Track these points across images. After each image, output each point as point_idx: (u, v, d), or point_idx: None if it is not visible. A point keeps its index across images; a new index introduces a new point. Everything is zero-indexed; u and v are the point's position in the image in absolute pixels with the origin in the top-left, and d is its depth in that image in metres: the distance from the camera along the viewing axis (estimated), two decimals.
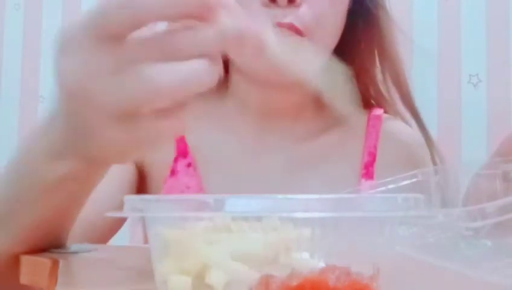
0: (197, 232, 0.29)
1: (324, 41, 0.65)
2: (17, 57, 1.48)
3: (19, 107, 1.47)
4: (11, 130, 1.46)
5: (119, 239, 0.75)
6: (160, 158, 0.71)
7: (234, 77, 0.72)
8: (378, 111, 0.76)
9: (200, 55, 0.32)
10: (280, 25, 0.60)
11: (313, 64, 0.34)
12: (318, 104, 0.75)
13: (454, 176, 0.49)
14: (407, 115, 0.77)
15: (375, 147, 0.73)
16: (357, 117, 0.75)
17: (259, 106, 0.71)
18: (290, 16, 0.61)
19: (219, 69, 0.33)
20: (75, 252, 0.50)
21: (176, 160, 0.71)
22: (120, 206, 0.30)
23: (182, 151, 0.71)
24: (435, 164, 0.73)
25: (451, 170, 0.50)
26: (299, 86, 0.70)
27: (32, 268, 0.48)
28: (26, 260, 0.49)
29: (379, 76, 0.75)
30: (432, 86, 1.29)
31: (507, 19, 1.26)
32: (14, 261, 0.48)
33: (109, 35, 0.33)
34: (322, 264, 0.27)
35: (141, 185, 0.72)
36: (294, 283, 0.25)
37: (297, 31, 0.61)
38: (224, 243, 0.28)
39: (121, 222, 0.73)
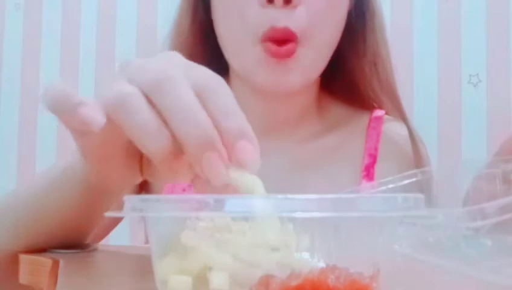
0: (198, 233, 0.29)
1: (322, 42, 0.65)
2: (17, 57, 1.48)
3: (19, 107, 1.47)
4: (11, 130, 1.46)
5: (119, 239, 0.76)
6: None
7: (235, 83, 0.72)
8: (380, 112, 0.76)
9: None
10: (275, 30, 0.61)
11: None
12: (320, 106, 0.74)
13: (434, 180, 0.49)
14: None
15: (375, 149, 0.72)
16: (358, 119, 0.75)
17: (262, 115, 0.70)
18: (285, 19, 0.61)
19: None
20: (75, 252, 0.50)
21: None
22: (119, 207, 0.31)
23: None
24: (417, 167, 0.72)
25: (432, 174, 0.50)
26: (301, 95, 0.70)
27: (32, 268, 0.48)
28: (26, 260, 0.49)
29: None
30: (432, 86, 1.29)
31: (507, 19, 1.26)
32: (15, 261, 0.48)
33: None
34: (322, 264, 0.27)
35: (141, 191, 0.72)
36: (294, 283, 0.25)
37: (292, 35, 0.61)
38: (224, 243, 0.28)
39: (119, 219, 0.73)
